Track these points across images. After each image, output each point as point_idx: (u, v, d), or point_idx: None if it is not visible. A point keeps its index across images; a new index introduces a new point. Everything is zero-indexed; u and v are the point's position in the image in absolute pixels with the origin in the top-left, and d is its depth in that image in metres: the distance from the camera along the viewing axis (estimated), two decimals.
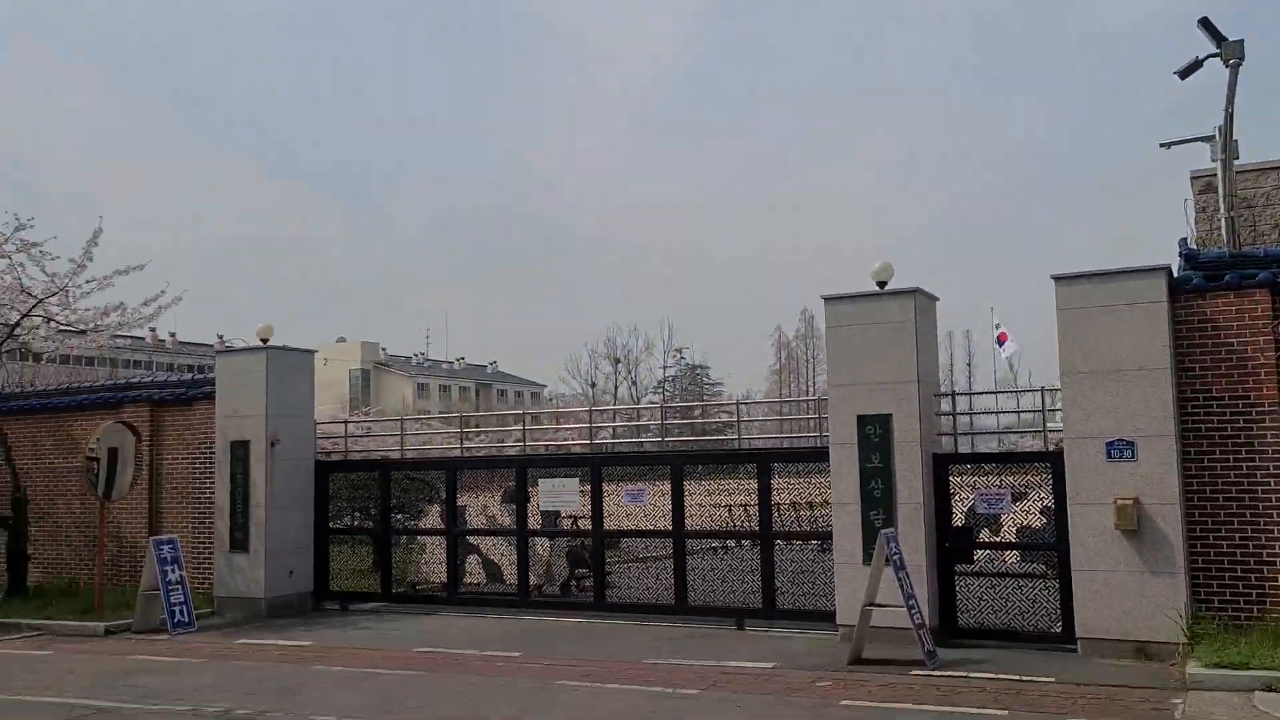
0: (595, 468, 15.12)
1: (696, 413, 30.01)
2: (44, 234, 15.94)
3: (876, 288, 12.69)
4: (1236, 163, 13.17)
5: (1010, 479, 12.68)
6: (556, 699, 9.56)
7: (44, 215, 16.86)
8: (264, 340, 16.35)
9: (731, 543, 16.15)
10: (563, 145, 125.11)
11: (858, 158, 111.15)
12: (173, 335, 78.93)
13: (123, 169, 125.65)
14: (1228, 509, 11.07)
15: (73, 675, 11.47)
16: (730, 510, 17.01)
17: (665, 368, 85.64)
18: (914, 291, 12.47)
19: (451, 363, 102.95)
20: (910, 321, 12.38)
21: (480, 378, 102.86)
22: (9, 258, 15.69)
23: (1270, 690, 8.97)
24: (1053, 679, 9.88)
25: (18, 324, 15.83)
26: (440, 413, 76.88)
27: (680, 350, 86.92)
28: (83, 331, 16.34)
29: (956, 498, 12.72)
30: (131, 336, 74.03)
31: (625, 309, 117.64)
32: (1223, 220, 12.62)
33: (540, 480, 15.49)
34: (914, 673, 10.37)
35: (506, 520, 16.08)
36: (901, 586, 10.89)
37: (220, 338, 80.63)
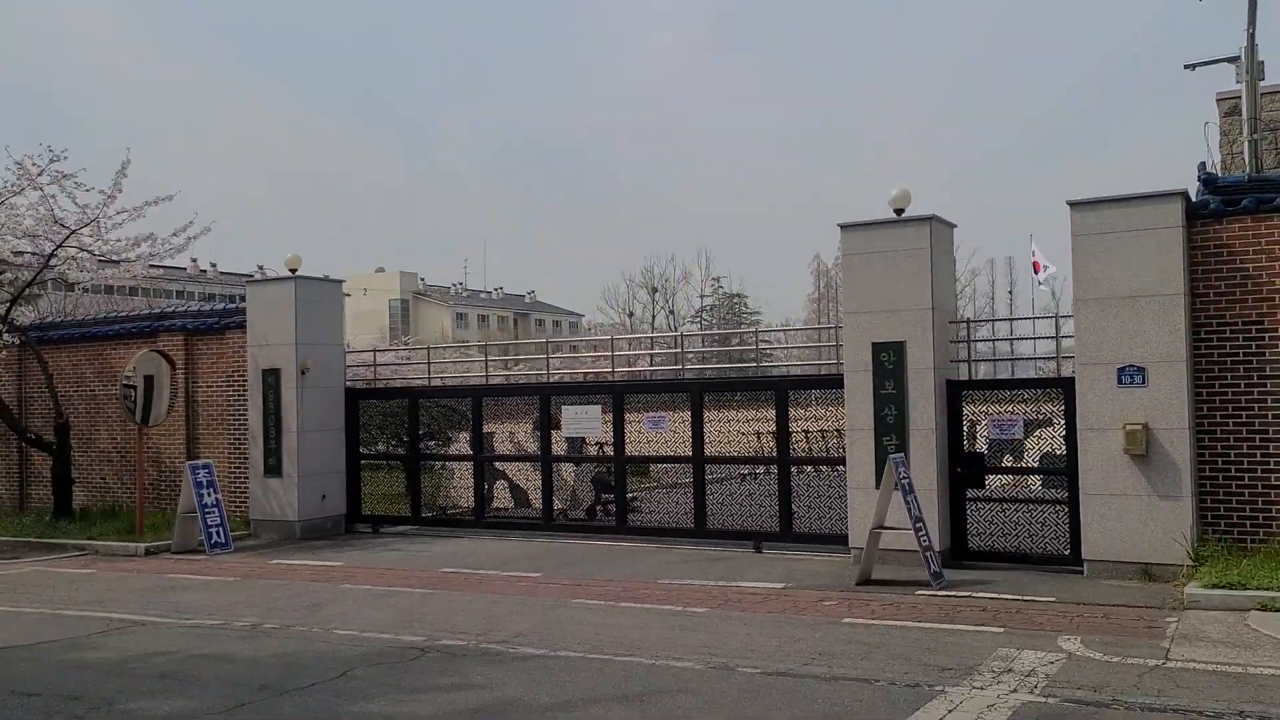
0: (617, 395, 15.37)
1: (735, 340, 30.09)
2: (80, 166, 16.28)
3: (894, 215, 12.69)
4: (1264, 84, 12.89)
5: (1030, 406, 12.77)
6: (570, 616, 9.92)
7: (88, 148, 17.16)
8: (292, 270, 16.66)
9: (760, 469, 16.43)
10: (606, 74, 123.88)
11: (905, 81, 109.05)
12: (213, 266, 79.90)
13: (164, 102, 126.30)
14: (1238, 434, 11.12)
15: (113, 591, 12.03)
16: (759, 437, 17.21)
17: (703, 297, 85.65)
18: (929, 219, 12.45)
19: (490, 293, 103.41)
20: (925, 248, 12.39)
21: (518, 308, 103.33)
22: (41, 189, 16.02)
23: (1265, 609, 9.12)
24: (1054, 599, 10.09)
25: (53, 254, 16.19)
26: (478, 342, 77.49)
27: (718, 279, 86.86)
28: (116, 262, 16.69)
29: (980, 425, 12.83)
30: (173, 267, 75.16)
31: (664, 239, 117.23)
32: (1245, 143, 12.42)
33: (564, 408, 15.79)
34: (919, 593, 10.62)
35: (533, 447, 16.44)
36: (909, 510, 11.09)
37: (260, 268, 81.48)
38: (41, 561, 14.93)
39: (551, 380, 16.48)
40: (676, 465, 15.26)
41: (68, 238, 16.02)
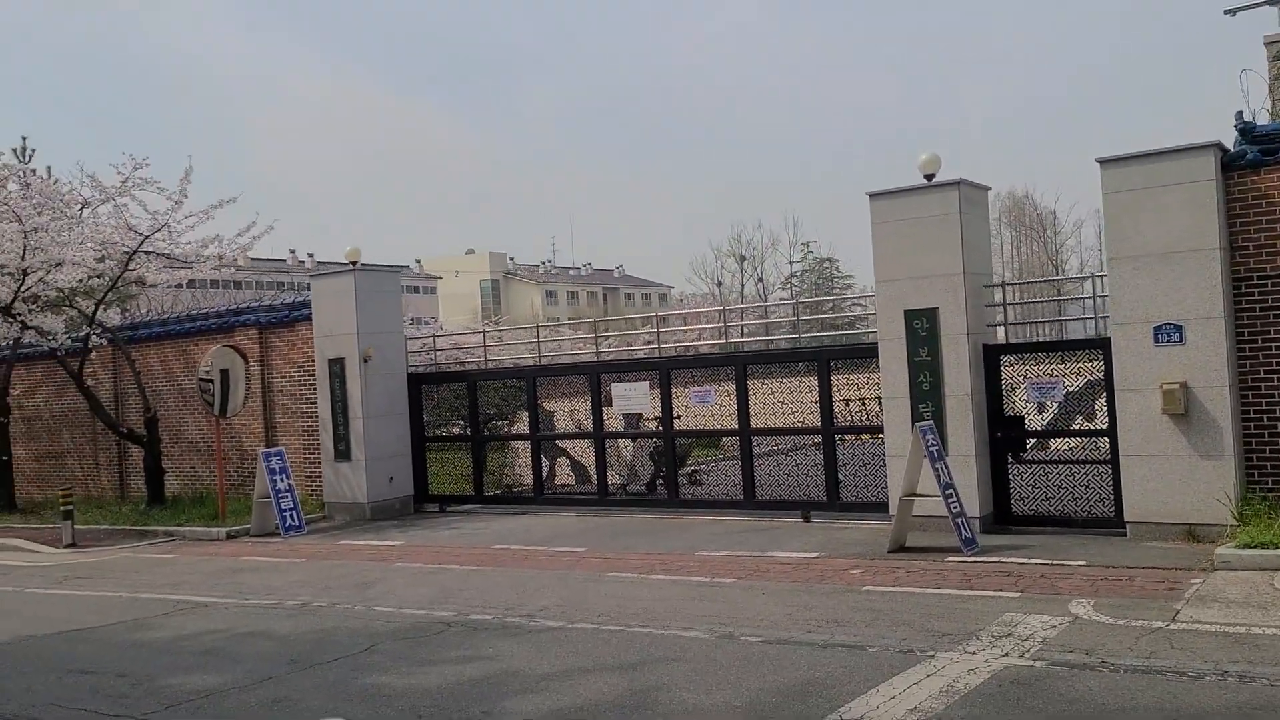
0: (664, 371, 15.63)
1: (826, 309, 29.95)
2: (162, 167, 17.19)
3: (924, 181, 12.62)
4: None
5: (1073, 367, 12.59)
6: (599, 589, 10.25)
7: (184, 141, 18.04)
8: (352, 262, 17.29)
9: (814, 439, 16.52)
10: (691, 41, 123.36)
11: (993, 37, 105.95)
12: (311, 256, 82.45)
13: (259, 93, 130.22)
14: None
15: (187, 575, 12.83)
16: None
17: (791, 263, 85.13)
18: (958, 184, 12.35)
19: (578, 269, 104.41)
20: (954, 214, 12.29)
21: (607, 282, 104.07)
22: (114, 200, 16.96)
23: None
24: (1084, 562, 10.03)
25: (131, 258, 17.13)
26: (569, 318, 78.50)
27: (807, 245, 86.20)
28: (189, 264, 17.58)
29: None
30: (273, 259, 77.83)
31: (751, 206, 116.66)
32: None
33: (613, 385, 16.11)
34: (949, 559, 10.65)
35: (590, 425, 16.79)
36: (938, 477, 11.11)
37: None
38: (132, 547, 15.92)
39: (601, 359, 16.80)
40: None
41: (142, 243, 16.93)
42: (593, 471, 16.80)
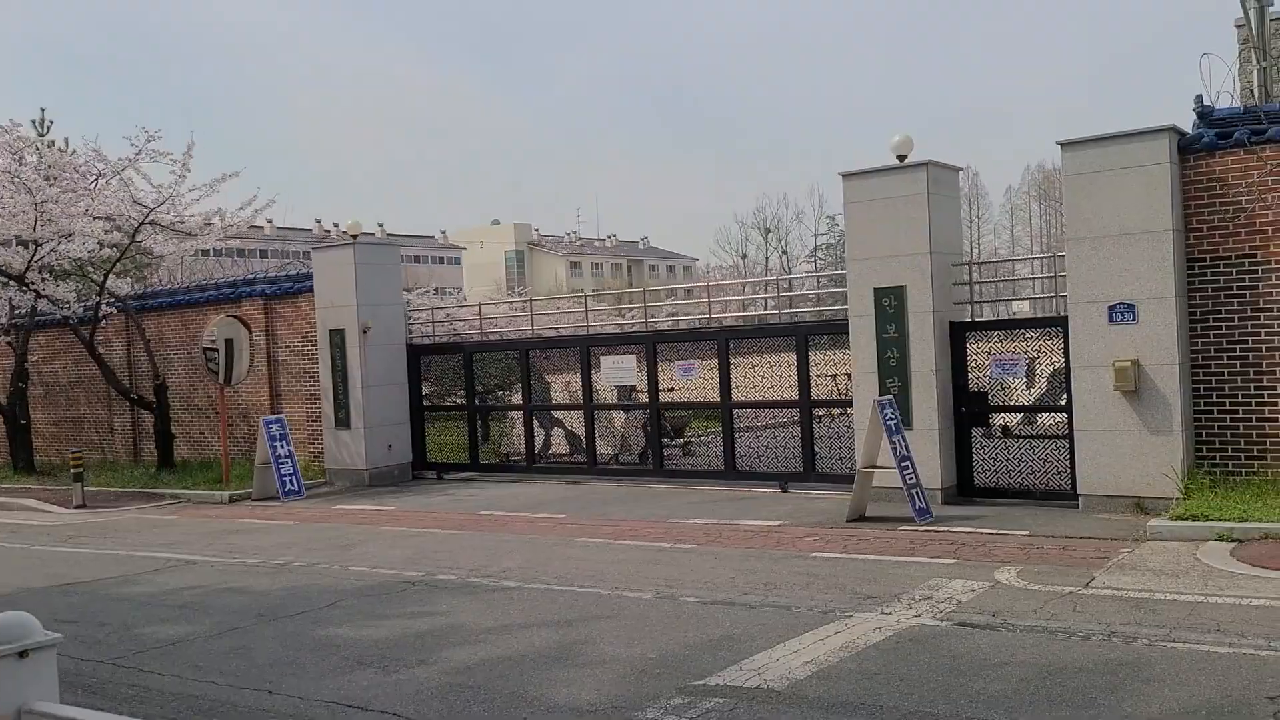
0: (650, 345, 16.08)
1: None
2: (178, 138, 17.82)
3: (896, 161, 12.94)
4: (1275, 10, 12.52)
5: (1049, 344, 12.93)
6: (565, 553, 10.77)
7: (209, 114, 18.60)
8: (353, 236, 17.82)
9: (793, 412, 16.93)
10: (713, 13, 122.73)
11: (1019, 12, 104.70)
12: (336, 226, 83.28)
13: (289, 65, 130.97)
14: (1232, 368, 11.15)
15: (185, 535, 13.48)
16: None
17: (816, 235, 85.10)
18: (926, 164, 12.66)
19: (603, 240, 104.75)
20: (923, 194, 12.62)
21: (631, 254, 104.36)
22: (119, 174, 17.55)
23: (1222, 540, 9.31)
24: (1027, 533, 10.43)
25: (137, 231, 17.75)
26: (592, 290, 78.94)
27: (832, 217, 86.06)
28: (194, 235, 18.18)
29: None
30: (299, 229, 78.83)
31: (776, 178, 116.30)
32: (1254, 72, 12.16)
33: (602, 358, 16.59)
34: (902, 529, 11.08)
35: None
36: (894, 450, 11.52)
37: (380, 226, 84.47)
38: (140, 509, 16.61)
39: (590, 332, 17.27)
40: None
41: (148, 216, 17.53)
42: (586, 442, 17.31)
